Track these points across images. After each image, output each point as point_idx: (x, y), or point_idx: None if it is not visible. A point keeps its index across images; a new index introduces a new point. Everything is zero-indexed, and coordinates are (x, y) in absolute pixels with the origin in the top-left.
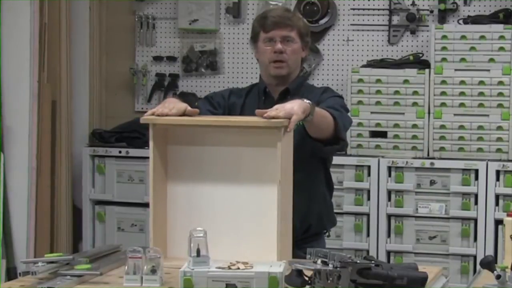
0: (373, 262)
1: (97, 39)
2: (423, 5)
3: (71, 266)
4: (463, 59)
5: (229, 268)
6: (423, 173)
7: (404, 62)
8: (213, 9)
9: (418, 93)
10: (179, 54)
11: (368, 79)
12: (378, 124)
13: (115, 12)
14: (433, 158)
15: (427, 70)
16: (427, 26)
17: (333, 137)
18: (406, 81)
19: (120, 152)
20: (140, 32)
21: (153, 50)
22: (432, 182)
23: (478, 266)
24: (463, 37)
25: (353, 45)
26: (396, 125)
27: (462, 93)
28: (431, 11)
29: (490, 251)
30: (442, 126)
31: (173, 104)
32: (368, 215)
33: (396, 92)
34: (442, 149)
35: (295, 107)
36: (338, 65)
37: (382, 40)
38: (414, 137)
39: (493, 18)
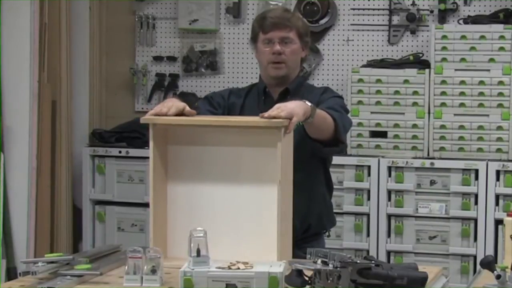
0: (373, 262)
1: (97, 39)
2: (423, 5)
3: (71, 266)
4: (463, 59)
5: (229, 268)
6: (423, 173)
7: (404, 62)
8: (213, 9)
9: (418, 93)
10: (179, 54)
11: (368, 79)
12: (378, 124)
13: (115, 12)
14: (433, 158)
15: (427, 70)
16: (427, 26)
17: (333, 139)
18: (406, 81)
19: (120, 152)
20: (140, 32)
21: (153, 50)
22: (432, 182)
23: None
24: (463, 37)
25: (353, 45)
26: (396, 125)
27: (462, 93)
28: (431, 11)
29: (490, 251)
30: (442, 126)
31: (171, 103)
32: (368, 215)
33: (396, 92)
34: (442, 149)
35: (296, 108)
36: (338, 65)
37: (382, 40)
38: (414, 137)
39: (493, 18)
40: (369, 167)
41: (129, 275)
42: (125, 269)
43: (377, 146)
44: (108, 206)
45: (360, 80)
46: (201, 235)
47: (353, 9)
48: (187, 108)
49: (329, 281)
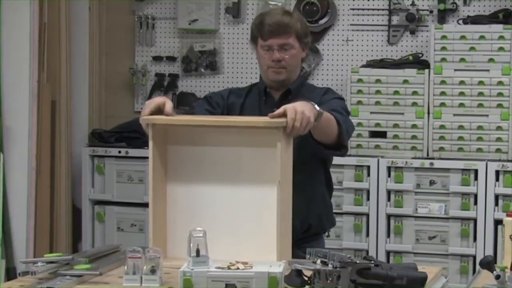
0: (372, 262)
1: (96, 39)
2: (423, 5)
3: (71, 266)
4: (462, 59)
5: (229, 268)
6: (423, 173)
7: (403, 62)
8: (213, 9)
9: (417, 93)
10: (179, 54)
11: (368, 79)
12: (377, 124)
13: (114, 12)
14: (433, 158)
15: (426, 70)
16: (427, 26)
17: (336, 143)
18: (405, 81)
19: (119, 152)
20: (139, 32)
21: (153, 50)
22: (431, 182)
23: (477, 266)
24: (462, 37)
25: (352, 45)
26: (396, 125)
27: (461, 93)
28: (431, 11)
29: (489, 251)
30: (442, 126)
31: (152, 101)
32: (367, 215)
33: (396, 92)
34: (441, 149)
35: (306, 111)
36: (337, 65)
37: (382, 40)
38: (414, 137)
39: (492, 18)
40: (368, 167)
41: (128, 275)
42: (125, 269)
43: (377, 146)
44: (107, 206)
45: (360, 80)
46: (201, 235)
47: (353, 9)
48: (168, 105)
49: (328, 281)
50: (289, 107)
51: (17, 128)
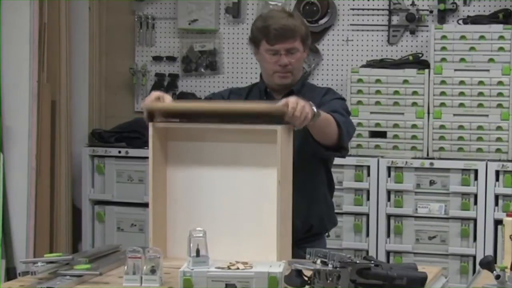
0: (372, 262)
1: (96, 39)
2: (423, 5)
3: (71, 266)
4: (462, 59)
5: (229, 268)
6: (423, 173)
7: (403, 62)
8: (213, 9)
9: (417, 93)
10: (179, 54)
11: (368, 79)
12: (377, 124)
13: (114, 12)
14: (433, 158)
15: (426, 70)
16: (427, 26)
17: (336, 144)
18: (405, 81)
19: (119, 152)
20: (139, 32)
21: (153, 50)
22: (431, 182)
23: (477, 266)
24: (462, 37)
25: (352, 45)
26: (396, 125)
27: (461, 93)
28: (431, 11)
29: (489, 251)
30: (442, 126)
31: (151, 94)
32: (367, 215)
33: (396, 92)
34: (441, 149)
35: (306, 107)
36: (337, 65)
37: (382, 40)
38: (414, 137)
39: (492, 18)
40: (368, 167)
41: (128, 275)
42: (125, 269)
43: (377, 146)
44: (107, 206)
45: (360, 80)
46: (201, 235)
47: (353, 9)
48: (167, 96)
49: (328, 281)
50: (291, 99)
51: (17, 128)
